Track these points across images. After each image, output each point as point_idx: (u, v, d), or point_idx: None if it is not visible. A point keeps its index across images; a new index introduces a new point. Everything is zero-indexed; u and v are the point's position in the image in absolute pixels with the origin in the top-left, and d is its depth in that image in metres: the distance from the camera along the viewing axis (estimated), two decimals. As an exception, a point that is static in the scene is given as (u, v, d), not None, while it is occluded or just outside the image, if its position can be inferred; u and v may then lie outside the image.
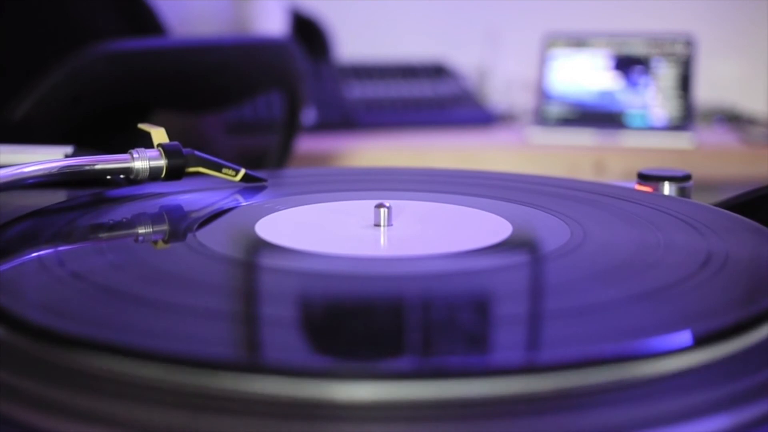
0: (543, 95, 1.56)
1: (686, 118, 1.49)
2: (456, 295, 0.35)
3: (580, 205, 0.48)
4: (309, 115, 1.44)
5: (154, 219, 0.47)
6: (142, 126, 0.51)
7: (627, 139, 1.47)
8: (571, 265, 0.38)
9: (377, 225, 0.43)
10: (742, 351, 0.30)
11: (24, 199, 0.48)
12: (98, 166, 0.47)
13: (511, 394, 0.26)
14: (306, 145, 1.31)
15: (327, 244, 0.41)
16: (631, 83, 1.53)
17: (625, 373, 0.28)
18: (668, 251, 0.40)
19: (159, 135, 0.50)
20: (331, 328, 0.32)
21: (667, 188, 0.53)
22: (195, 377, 0.27)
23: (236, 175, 0.52)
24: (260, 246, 0.41)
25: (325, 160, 1.37)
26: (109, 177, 0.50)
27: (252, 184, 0.53)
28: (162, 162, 0.48)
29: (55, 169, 0.46)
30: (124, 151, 0.48)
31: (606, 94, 1.54)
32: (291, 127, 1.15)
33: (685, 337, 0.30)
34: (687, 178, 0.53)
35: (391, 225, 0.43)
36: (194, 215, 0.46)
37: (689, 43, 1.51)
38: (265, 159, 1.17)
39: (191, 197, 0.50)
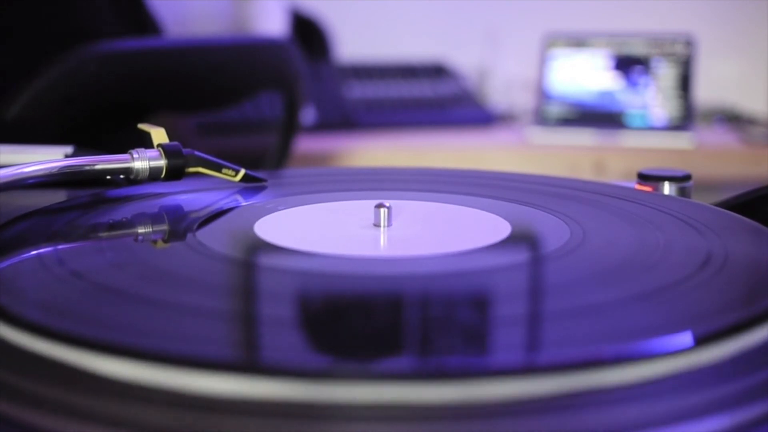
0: (543, 95, 1.56)
1: (686, 118, 1.49)
2: (455, 295, 0.35)
3: (580, 205, 0.48)
4: (309, 115, 1.44)
5: (154, 219, 0.47)
6: (142, 126, 0.51)
7: (627, 139, 1.47)
8: (571, 265, 0.38)
9: (377, 225, 0.43)
10: (742, 351, 0.30)
11: (24, 199, 0.48)
12: (98, 166, 0.47)
13: (511, 394, 0.26)
14: (305, 145, 1.31)
15: (326, 244, 0.41)
16: (631, 83, 1.53)
17: (625, 374, 0.28)
18: (668, 251, 0.40)
19: (159, 135, 0.50)
20: (331, 328, 0.32)
21: (667, 188, 0.53)
22: (194, 377, 0.27)
23: (236, 175, 0.52)
24: (260, 246, 0.41)
25: (324, 160, 1.37)
26: (109, 177, 0.50)
27: (252, 184, 0.53)
28: (162, 162, 0.48)
29: (55, 169, 0.46)
30: (124, 151, 0.48)
31: (606, 94, 1.54)
32: (290, 127, 1.15)
33: (685, 337, 0.30)
34: (687, 178, 0.53)
35: (391, 225, 0.43)
36: (194, 215, 0.46)
37: (689, 43, 1.51)
38: (264, 159, 1.17)
39: (191, 197, 0.50)
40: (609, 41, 1.55)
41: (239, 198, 0.50)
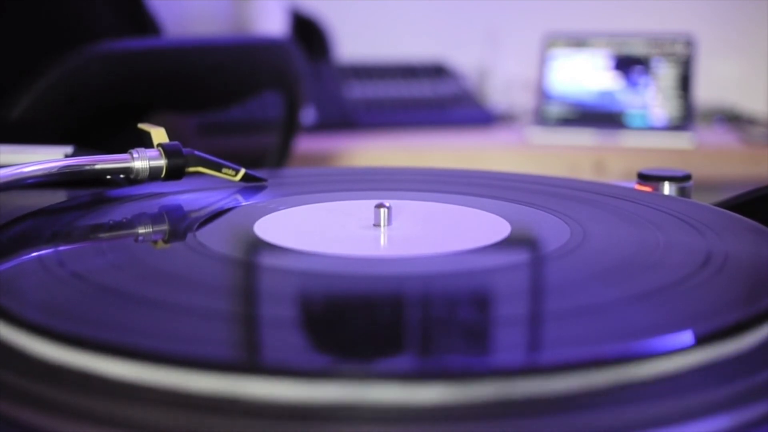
0: (543, 95, 1.56)
1: (686, 118, 1.49)
2: (456, 295, 0.35)
3: (580, 205, 0.48)
4: (309, 115, 1.44)
5: (154, 219, 0.47)
6: (142, 126, 0.51)
7: (627, 139, 1.47)
8: (571, 265, 0.38)
9: (377, 225, 0.43)
10: (742, 351, 0.30)
11: (24, 199, 0.48)
12: (98, 166, 0.47)
13: (512, 394, 0.26)
14: (305, 145, 1.31)
15: (327, 244, 0.41)
16: (631, 83, 1.53)
17: (626, 374, 0.28)
18: (668, 251, 0.40)
19: (159, 135, 0.50)
20: (331, 328, 0.32)
21: (667, 188, 0.53)
22: (194, 377, 0.27)
23: (236, 175, 0.52)
24: (260, 246, 0.41)
25: (324, 160, 1.37)
26: (109, 177, 0.50)
27: (252, 184, 0.53)
28: (162, 162, 0.48)
29: (55, 169, 0.46)
30: (124, 151, 0.48)
31: (606, 94, 1.54)
32: (290, 127, 1.15)
33: (685, 337, 0.30)
34: (687, 178, 0.53)
35: (391, 225, 0.43)
36: (194, 215, 0.46)
37: (689, 43, 1.51)
38: (264, 159, 1.17)
39: (191, 197, 0.50)
40: (609, 41, 1.55)
41: (239, 198, 0.50)
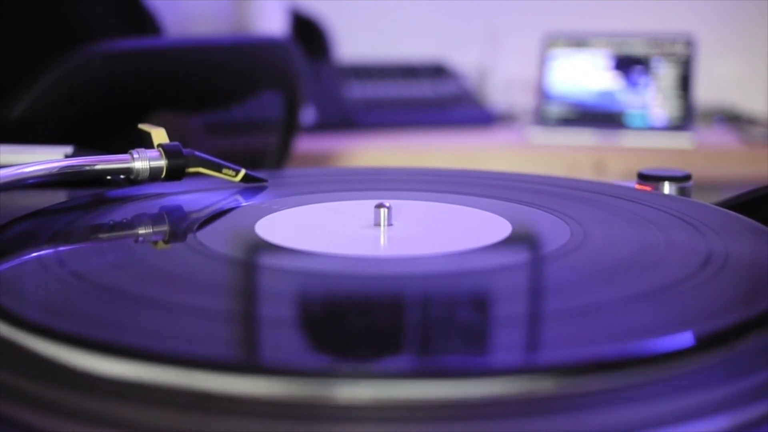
0: (543, 95, 1.56)
1: (686, 118, 1.49)
2: (456, 295, 0.35)
3: (580, 205, 0.48)
4: (308, 115, 1.44)
5: (155, 219, 0.47)
6: (142, 126, 0.51)
7: (627, 139, 1.47)
8: (571, 265, 0.38)
9: (377, 225, 0.43)
10: (743, 351, 0.30)
11: (24, 199, 0.48)
12: (98, 167, 0.47)
13: (511, 394, 0.26)
14: (305, 145, 1.31)
15: (327, 244, 0.41)
16: (631, 83, 1.53)
17: (625, 374, 0.28)
18: (668, 251, 0.40)
19: (159, 135, 0.50)
20: (331, 327, 0.32)
21: (667, 188, 0.53)
22: (194, 377, 0.27)
23: (236, 175, 0.52)
24: (260, 246, 0.41)
25: (324, 160, 1.37)
26: (109, 177, 0.50)
27: (252, 185, 0.53)
28: (162, 162, 0.48)
29: (56, 169, 0.46)
30: (124, 151, 0.48)
31: (606, 94, 1.54)
32: (290, 127, 1.15)
33: (685, 337, 0.30)
34: (687, 178, 0.53)
35: (391, 225, 0.43)
36: (194, 215, 0.46)
37: (689, 43, 1.51)
38: (264, 159, 1.17)
39: (191, 197, 0.50)
40: (609, 41, 1.55)
41: (239, 198, 0.50)
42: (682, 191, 0.53)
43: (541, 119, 1.53)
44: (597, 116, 1.52)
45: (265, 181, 0.53)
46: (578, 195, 0.51)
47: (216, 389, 0.27)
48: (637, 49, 1.53)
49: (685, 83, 1.50)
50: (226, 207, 0.48)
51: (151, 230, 0.45)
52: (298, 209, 0.47)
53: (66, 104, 0.89)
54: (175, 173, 0.49)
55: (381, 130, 1.49)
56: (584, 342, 0.30)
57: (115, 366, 0.28)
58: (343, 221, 0.45)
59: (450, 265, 0.38)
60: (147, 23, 1.17)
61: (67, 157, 0.56)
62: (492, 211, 0.46)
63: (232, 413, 0.26)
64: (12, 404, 0.27)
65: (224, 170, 0.51)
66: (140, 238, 0.44)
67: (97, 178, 0.50)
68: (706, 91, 1.63)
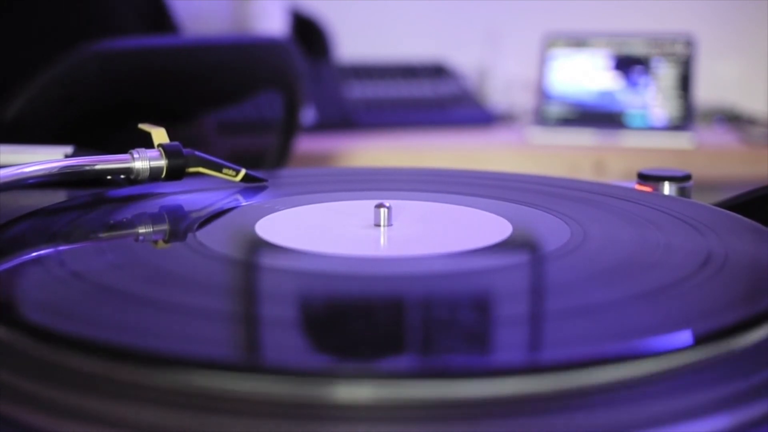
0: (543, 95, 1.56)
1: (686, 118, 1.49)
2: (456, 295, 0.35)
3: (580, 205, 0.48)
4: (308, 115, 1.44)
5: (155, 219, 0.47)
6: (142, 126, 0.51)
7: (627, 139, 1.47)
8: (572, 265, 0.38)
9: (377, 225, 0.43)
10: (742, 351, 0.30)
11: (24, 199, 0.48)
12: (98, 166, 0.47)
13: (512, 394, 0.26)
14: (305, 145, 1.31)
15: (327, 244, 0.41)
16: (631, 83, 1.53)
17: (626, 373, 0.28)
18: (668, 251, 0.40)
19: (159, 135, 0.50)
20: (331, 328, 0.32)
21: (667, 188, 0.53)
22: (194, 377, 0.27)
23: (236, 175, 0.52)
24: (260, 246, 0.41)
25: (324, 160, 1.37)
26: (109, 177, 0.50)
27: (252, 185, 0.53)
28: (162, 162, 0.48)
29: (56, 169, 0.46)
30: (124, 151, 0.48)
31: (606, 94, 1.54)
32: (290, 127, 1.15)
33: (685, 336, 0.30)
34: (687, 178, 0.53)
35: (391, 225, 0.43)
36: (194, 215, 0.46)
37: (689, 43, 1.51)
38: (264, 159, 1.17)
39: (191, 197, 0.50)
40: (609, 41, 1.55)
41: (240, 198, 0.50)
42: (682, 191, 0.53)
43: (541, 119, 1.53)
44: (597, 116, 1.52)
45: (265, 181, 0.53)
46: (578, 195, 0.51)
47: (216, 389, 0.27)
48: (637, 49, 1.53)
49: (685, 83, 1.50)
50: (226, 207, 0.48)
51: (151, 230, 0.45)
52: (298, 209, 0.47)
53: (62, 104, 0.89)
54: (176, 173, 0.49)
55: (381, 130, 1.49)
56: (585, 341, 0.30)
57: (115, 366, 0.28)
58: (343, 221, 0.45)
59: (450, 265, 0.38)
60: (166, 23, 1.17)
61: (67, 157, 0.56)
62: (492, 212, 0.46)
63: (232, 413, 0.26)
64: (12, 404, 0.27)
65: (224, 170, 0.51)
66: (140, 238, 0.44)
67: (97, 178, 0.50)
68: (706, 91, 1.63)
